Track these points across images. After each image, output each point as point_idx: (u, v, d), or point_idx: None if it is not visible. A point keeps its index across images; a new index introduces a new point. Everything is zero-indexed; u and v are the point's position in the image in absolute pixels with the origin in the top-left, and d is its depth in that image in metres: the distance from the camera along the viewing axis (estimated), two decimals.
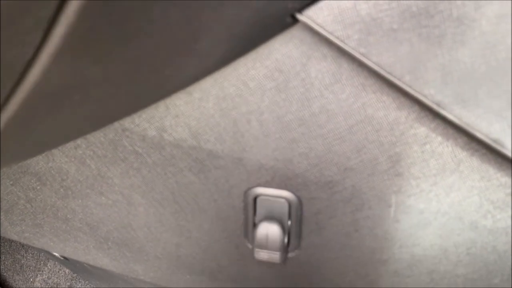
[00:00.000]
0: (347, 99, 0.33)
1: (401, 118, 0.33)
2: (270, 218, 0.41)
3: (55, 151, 0.40)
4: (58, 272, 0.88)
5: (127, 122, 0.37)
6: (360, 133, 0.34)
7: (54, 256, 0.72)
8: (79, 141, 0.39)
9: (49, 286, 0.88)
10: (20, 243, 0.90)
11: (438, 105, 0.30)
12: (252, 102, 0.34)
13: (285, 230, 0.41)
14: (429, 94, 0.30)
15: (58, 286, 0.88)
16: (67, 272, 0.88)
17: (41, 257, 0.89)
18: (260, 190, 0.39)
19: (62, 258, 0.72)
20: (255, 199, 0.40)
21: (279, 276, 0.45)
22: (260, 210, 0.41)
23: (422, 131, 0.33)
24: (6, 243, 0.90)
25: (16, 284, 0.88)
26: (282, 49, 0.31)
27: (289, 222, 0.41)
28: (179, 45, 0.26)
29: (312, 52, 0.31)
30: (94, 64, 0.24)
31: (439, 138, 0.33)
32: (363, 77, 0.32)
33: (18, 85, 0.22)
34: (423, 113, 0.32)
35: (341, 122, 0.34)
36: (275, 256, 0.41)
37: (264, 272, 0.45)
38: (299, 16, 0.29)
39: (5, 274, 0.89)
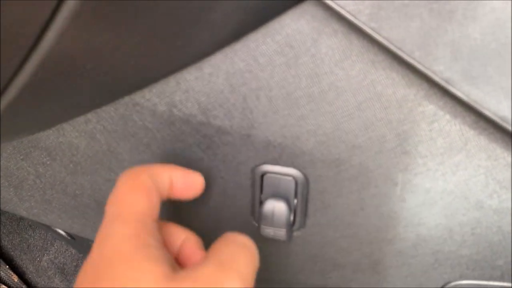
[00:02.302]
0: (356, 76, 0.33)
1: (410, 96, 0.33)
2: (276, 196, 0.41)
3: (65, 126, 0.41)
4: (65, 252, 0.90)
5: (137, 96, 0.37)
6: (369, 110, 0.34)
7: (61, 236, 0.73)
8: (89, 115, 0.39)
9: (56, 266, 0.89)
10: (27, 222, 0.91)
11: (447, 82, 0.30)
12: (262, 78, 0.34)
13: (291, 208, 0.41)
14: (438, 70, 0.30)
15: (65, 266, 0.89)
16: (73, 252, 0.89)
17: (48, 237, 0.90)
18: (267, 167, 0.40)
19: (69, 238, 0.73)
20: (262, 176, 0.40)
21: (284, 254, 0.46)
22: (266, 188, 0.41)
23: (430, 109, 0.33)
24: (14, 222, 0.91)
25: (23, 263, 0.90)
26: (293, 24, 0.32)
27: (295, 200, 0.41)
28: (192, 15, 0.26)
29: (323, 27, 0.31)
30: (107, 31, 0.24)
31: (447, 116, 0.33)
32: (373, 54, 0.32)
33: (34, 48, 0.22)
34: (431, 91, 0.32)
35: (350, 99, 0.34)
36: (281, 233, 0.42)
37: (269, 250, 0.46)
38: None
39: (12, 253, 0.90)
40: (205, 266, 0.26)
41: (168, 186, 0.33)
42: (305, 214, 0.42)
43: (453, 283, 0.43)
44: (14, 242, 0.91)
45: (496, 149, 0.34)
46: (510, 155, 0.34)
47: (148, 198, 0.30)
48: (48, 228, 0.73)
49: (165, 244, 0.30)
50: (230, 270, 0.26)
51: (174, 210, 0.46)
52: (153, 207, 0.30)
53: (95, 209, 0.49)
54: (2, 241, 0.91)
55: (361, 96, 0.34)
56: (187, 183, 0.34)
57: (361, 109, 0.34)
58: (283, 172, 0.40)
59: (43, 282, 0.89)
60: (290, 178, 0.40)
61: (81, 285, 0.27)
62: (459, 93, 0.30)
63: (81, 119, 0.40)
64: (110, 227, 0.28)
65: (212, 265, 0.26)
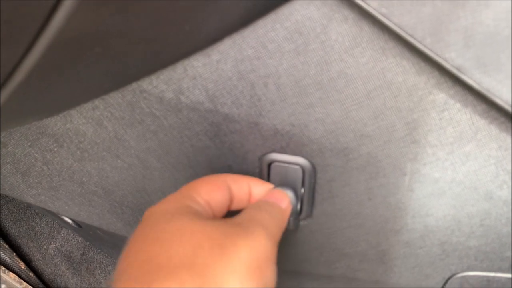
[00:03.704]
0: (366, 63, 0.32)
1: (420, 84, 0.32)
2: (283, 184, 0.41)
3: (73, 112, 0.41)
4: (71, 240, 0.90)
5: (145, 83, 0.37)
6: (378, 98, 0.34)
7: (68, 224, 0.73)
8: (97, 102, 0.39)
9: (62, 254, 0.90)
10: (34, 210, 0.91)
11: (459, 69, 0.30)
12: (270, 65, 0.34)
13: (298, 197, 0.41)
14: (450, 57, 0.29)
15: (71, 254, 0.90)
16: (80, 241, 0.90)
17: (55, 225, 0.91)
18: (275, 156, 0.39)
19: (75, 226, 0.73)
20: (269, 165, 0.40)
21: (291, 243, 0.46)
22: (274, 177, 0.41)
23: (440, 97, 0.33)
24: (21, 210, 0.92)
25: (30, 251, 0.90)
26: (303, 10, 0.31)
27: (302, 190, 0.41)
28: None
29: (333, 13, 0.31)
30: (116, 13, 0.24)
31: (458, 105, 0.33)
32: (383, 41, 0.31)
33: (42, 31, 0.22)
34: (442, 79, 0.32)
35: (359, 87, 0.34)
36: (288, 222, 0.41)
37: None
38: None
39: (19, 240, 0.91)
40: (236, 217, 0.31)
41: (248, 195, 0.36)
42: (312, 203, 0.42)
43: (460, 274, 0.43)
44: (21, 230, 0.91)
45: (507, 139, 0.33)
46: None
47: (212, 188, 0.33)
48: (55, 216, 0.73)
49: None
50: (256, 225, 0.30)
51: None
52: (214, 197, 0.33)
53: (102, 197, 0.49)
54: (10, 229, 0.91)
55: (370, 84, 0.33)
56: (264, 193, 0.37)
57: (371, 97, 0.34)
58: (291, 161, 0.39)
59: (49, 270, 0.90)
60: (298, 167, 0.40)
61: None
62: (470, 81, 0.30)
63: (88, 105, 0.40)
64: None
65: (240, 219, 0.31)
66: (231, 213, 0.35)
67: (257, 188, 0.36)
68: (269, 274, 0.28)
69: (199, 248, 0.27)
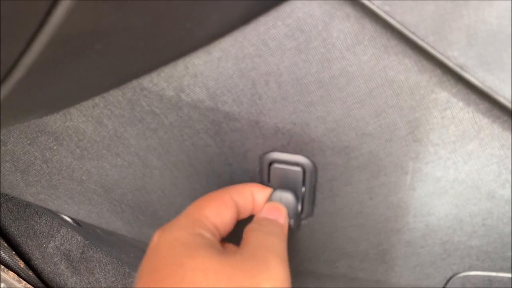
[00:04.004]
0: (368, 61, 0.32)
1: (422, 82, 0.32)
2: (284, 184, 0.41)
3: (72, 110, 0.41)
4: (71, 239, 0.90)
5: (145, 81, 0.37)
6: (380, 97, 0.33)
7: (67, 222, 0.73)
8: (97, 99, 0.39)
9: (62, 252, 0.90)
10: (34, 209, 0.91)
11: (461, 67, 0.29)
12: (271, 63, 0.34)
13: (298, 198, 0.41)
14: (453, 56, 0.29)
15: (71, 253, 0.90)
16: (79, 239, 0.90)
17: (54, 224, 0.90)
18: (276, 155, 0.39)
19: (75, 225, 0.73)
20: (270, 164, 0.40)
21: (291, 242, 0.46)
22: (274, 178, 0.41)
23: (443, 96, 0.32)
24: (20, 209, 0.92)
25: (29, 250, 0.90)
26: (305, 8, 0.31)
27: (303, 189, 0.41)
28: None
29: (335, 11, 0.31)
30: (117, 10, 0.24)
31: (460, 104, 0.32)
32: (385, 39, 0.31)
33: (42, 26, 0.22)
34: (445, 77, 0.32)
35: (361, 85, 0.33)
36: (289, 223, 0.41)
37: None
38: None
39: (18, 239, 0.90)
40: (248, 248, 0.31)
41: (251, 203, 0.37)
42: (313, 202, 0.42)
43: (462, 274, 0.43)
44: (20, 228, 0.91)
45: (509, 138, 0.33)
46: None
47: (219, 208, 0.33)
48: (54, 215, 0.73)
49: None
50: (271, 255, 0.30)
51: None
52: (222, 218, 0.33)
53: (102, 195, 0.49)
54: (9, 227, 0.91)
55: (372, 82, 0.33)
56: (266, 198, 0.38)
57: (373, 95, 0.34)
58: (292, 160, 0.39)
59: (49, 269, 0.90)
60: (298, 168, 0.39)
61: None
62: (473, 79, 0.29)
63: (88, 103, 0.40)
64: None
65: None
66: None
67: (259, 194, 0.37)
68: None
69: None
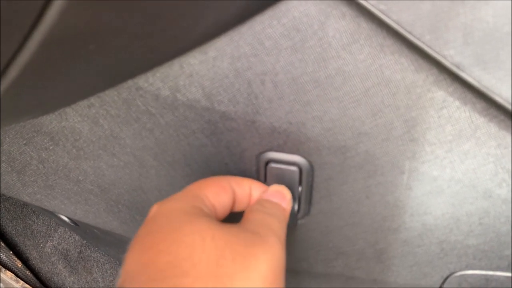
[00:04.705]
0: (364, 60, 0.32)
1: (419, 81, 0.32)
2: (280, 184, 0.41)
3: (68, 110, 0.40)
4: (68, 238, 0.90)
5: (141, 80, 0.36)
6: (376, 96, 0.33)
7: (65, 222, 0.73)
8: (92, 99, 0.39)
9: (59, 252, 0.89)
10: (31, 208, 0.91)
11: (458, 66, 0.29)
12: (267, 62, 0.34)
13: (295, 197, 0.41)
14: (449, 55, 0.29)
15: (68, 252, 0.89)
16: (77, 239, 0.90)
17: (51, 223, 0.90)
18: (272, 154, 0.39)
19: (72, 225, 0.73)
20: (266, 163, 0.40)
21: (288, 241, 0.45)
22: (270, 178, 0.41)
23: (439, 95, 0.32)
24: (17, 209, 0.91)
25: (27, 249, 0.90)
26: (300, 7, 0.31)
27: (300, 188, 0.41)
28: None
29: (331, 10, 0.31)
30: (111, 10, 0.23)
31: (457, 103, 0.32)
32: (381, 38, 0.31)
33: (35, 26, 0.22)
34: (441, 76, 0.32)
35: (357, 85, 0.33)
36: None
37: None
38: None
39: (16, 239, 0.90)
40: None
41: (249, 197, 0.36)
42: (309, 202, 0.42)
43: (459, 273, 0.43)
44: (18, 228, 0.91)
45: (506, 137, 0.33)
46: None
47: (218, 191, 0.33)
48: (52, 215, 0.73)
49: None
50: (270, 233, 0.30)
51: None
52: (219, 199, 0.33)
53: (98, 195, 0.49)
54: (6, 227, 0.91)
55: (369, 82, 0.33)
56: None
57: (369, 95, 0.33)
58: (288, 159, 0.39)
59: (46, 268, 0.89)
60: (294, 168, 0.39)
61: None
62: (469, 79, 0.29)
63: (84, 103, 0.40)
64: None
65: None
66: (231, 214, 0.35)
67: (256, 191, 0.37)
68: (282, 281, 0.29)
69: (222, 257, 0.27)
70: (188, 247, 0.27)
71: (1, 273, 0.84)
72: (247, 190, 0.36)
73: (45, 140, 0.45)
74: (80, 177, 0.47)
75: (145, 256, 0.27)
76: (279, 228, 0.32)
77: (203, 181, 0.34)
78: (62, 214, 0.57)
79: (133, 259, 0.27)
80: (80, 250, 0.89)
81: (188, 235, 0.27)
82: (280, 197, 0.36)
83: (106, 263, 0.89)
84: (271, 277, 0.27)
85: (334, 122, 0.35)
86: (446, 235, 0.40)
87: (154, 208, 0.31)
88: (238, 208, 0.36)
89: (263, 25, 0.32)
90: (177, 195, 0.32)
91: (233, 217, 0.35)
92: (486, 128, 0.33)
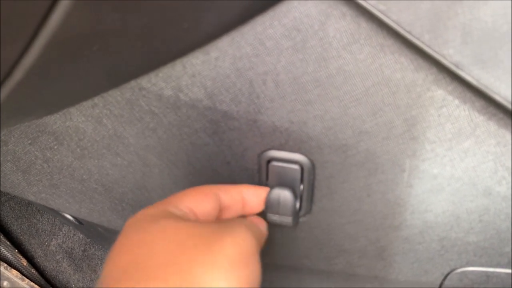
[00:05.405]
0: (364, 60, 0.32)
1: (419, 80, 0.32)
2: (282, 182, 0.41)
3: (72, 110, 0.41)
4: (73, 237, 0.90)
5: (144, 81, 0.37)
6: (377, 95, 0.34)
7: (69, 221, 0.74)
8: (96, 99, 0.39)
9: (64, 250, 0.90)
10: (36, 207, 0.91)
11: (457, 66, 0.30)
12: (268, 62, 0.34)
13: (296, 196, 0.41)
14: (448, 54, 0.29)
15: (73, 250, 0.90)
16: (81, 237, 0.90)
17: (56, 222, 0.91)
18: (274, 153, 0.40)
19: (76, 223, 0.73)
20: (268, 162, 0.40)
21: (290, 239, 0.46)
22: (272, 176, 0.41)
23: (439, 94, 0.33)
24: (22, 208, 0.92)
25: (32, 248, 0.90)
26: (301, 7, 0.31)
27: (302, 186, 0.41)
28: None
29: (331, 10, 0.31)
30: (114, 12, 0.24)
31: (456, 102, 0.33)
32: (381, 37, 0.31)
33: (40, 29, 0.22)
34: (441, 75, 0.32)
35: (357, 84, 0.34)
36: (287, 220, 0.41)
37: (275, 235, 0.46)
38: None
39: (21, 237, 0.91)
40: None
41: (241, 203, 0.37)
42: (311, 200, 0.42)
43: (459, 270, 0.43)
44: (23, 227, 0.92)
45: (505, 135, 0.33)
46: None
47: (196, 197, 0.34)
48: (56, 213, 0.74)
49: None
50: (240, 225, 0.30)
51: None
52: (199, 205, 0.33)
53: (103, 194, 0.49)
54: (11, 226, 0.92)
55: (369, 81, 0.33)
56: (260, 198, 0.38)
57: (369, 94, 0.34)
58: (289, 158, 0.39)
59: (51, 266, 0.90)
60: (296, 166, 0.40)
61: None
62: (469, 78, 0.30)
63: (87, 103, 0.40)
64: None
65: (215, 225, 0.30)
66: None
67: (251, 195, 0.37)
68: (254, 268, 0.28)
69: (183, 246, 0.27)
70: (149, 243, 0.27)
71: (6, 271, 0.84)
72: (236, 196, 0.36)
73: (49, 140, 0.45)
74: (84, 176, 0.48)
75: (111, 262, 0.28)
76: (252, 228, 0.32)
77: (184, 190, 0.35)
78: (67, 213, 0.57)
79: (105, 266, 0.28)
80: (85, 249, 0.90)
81: (151, 233, 0.28)
82: (259, 222, 0.38)
83: None
84: (240, 260, 0.27)
85: (335, 121, 0.36)
86: (447, 232, 0.40)
87: (127, 221, 0.31)
88: (229, 214, 0.36)
89: (264, 25, 0.32)
90: (150, 205, 0.33)
91: None
92: (486, 126, 0.33)
